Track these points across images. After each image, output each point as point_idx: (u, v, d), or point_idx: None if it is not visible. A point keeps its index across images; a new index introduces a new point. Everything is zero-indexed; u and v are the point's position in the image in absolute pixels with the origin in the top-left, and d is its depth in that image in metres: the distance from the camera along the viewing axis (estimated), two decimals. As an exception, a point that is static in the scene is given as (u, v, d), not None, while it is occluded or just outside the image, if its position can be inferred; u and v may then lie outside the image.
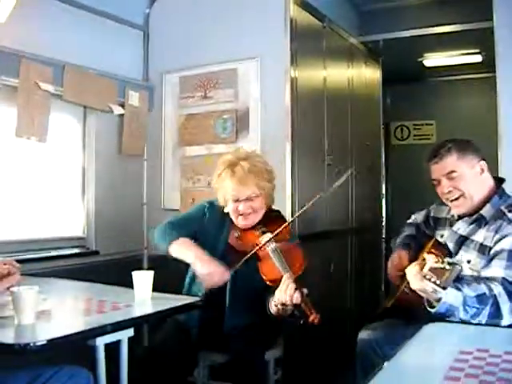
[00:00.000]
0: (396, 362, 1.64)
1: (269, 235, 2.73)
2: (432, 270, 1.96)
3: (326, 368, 3.83)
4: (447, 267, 1.93)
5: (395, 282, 2.65)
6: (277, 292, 2.47)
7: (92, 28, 3.94)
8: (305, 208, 2.79)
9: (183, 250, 2.76)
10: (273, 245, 2.70)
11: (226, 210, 2.87)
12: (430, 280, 1.96)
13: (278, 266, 2.61)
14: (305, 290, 2.44)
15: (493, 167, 3.49)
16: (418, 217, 2.94)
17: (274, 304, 2.52)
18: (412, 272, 2.10)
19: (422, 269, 2.02)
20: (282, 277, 2.50)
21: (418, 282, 2.05)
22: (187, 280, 2.95)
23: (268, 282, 2.59)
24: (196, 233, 2.88)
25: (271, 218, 2.91)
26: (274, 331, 2.97)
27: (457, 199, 2.47)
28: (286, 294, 2.41)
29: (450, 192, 2.47)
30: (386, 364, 1.60)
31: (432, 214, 2.82)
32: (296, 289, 2.41)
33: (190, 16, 4.25)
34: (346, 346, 3.10)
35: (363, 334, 2.70)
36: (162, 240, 2.86)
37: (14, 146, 3.50)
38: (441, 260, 1.96)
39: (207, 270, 2.68)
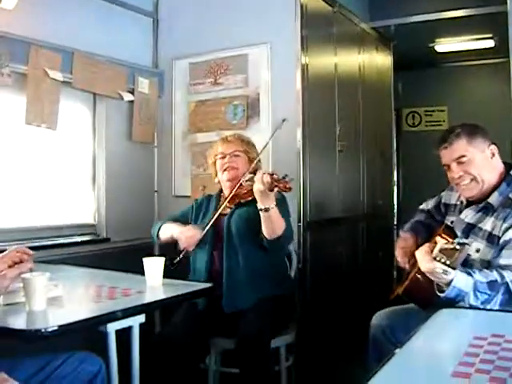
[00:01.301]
0: (409, 347, 1.62)
1: (247, 174, 2.99)
2: (442, 250, 1.96)
3: (338, 354, 3.83)
4: (457, 247, 1.92)
5: (402, 265, 2.63)
6: (254, 190, 2.72)
7: (101, 15, 3.93)
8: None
9: (167, 228, 3.10)
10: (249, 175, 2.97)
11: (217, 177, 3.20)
12: (439, 261, 1.95)
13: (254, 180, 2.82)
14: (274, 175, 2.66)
15: (505, 153, 3.48)
16: (429, 203, 2.92)
17: (259, 209, 2.74)
18: (422, 253, 2.10)
19: (432, 251, 2.01)
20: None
21: (427, 263, 2.04)
22: (191, 261, 3.13)
23: (249, 197, 2.91)
24: (192, 219, 3.21)
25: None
26: (283, 315, 3.00)
27: (469, 183, 2.44)
28: (258, 182, 2.66)
29: (460, 177, 2.44)
30: (398, 350, 1.58)
31: (443, 201, 2.80)
32: (263, 174, 2.66)
33: (200, 2, 4.23)
34: (358, 333, 3.09)
35: (376, 320, 2.69)
36: (154, 230, 3.19)
37: (25, 133, 3.49)
38: (451, 241, 1.95)
39: (183, 229, 2.98)
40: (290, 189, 2.63)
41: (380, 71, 5.08)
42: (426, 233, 2.77)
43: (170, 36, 4.38)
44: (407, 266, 2.59)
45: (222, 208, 3.01)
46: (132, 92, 4.08)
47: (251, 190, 2.78)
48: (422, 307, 2.37)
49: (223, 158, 3.13)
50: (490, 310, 2.04)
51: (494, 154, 2.45)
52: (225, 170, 3.11)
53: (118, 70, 3.96)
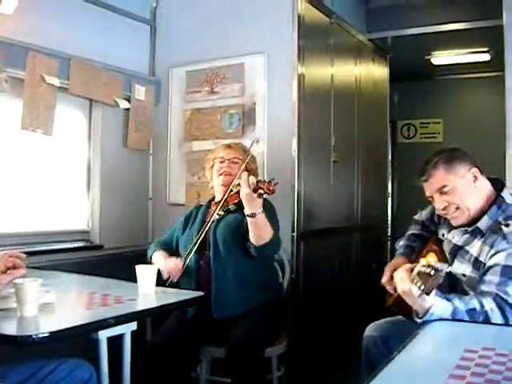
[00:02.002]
0: (401, 359, 1.62)
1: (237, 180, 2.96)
2: (419, 274, 1.91)
3: (331, 365, 3.82)
4: (431, 273, 1.86)
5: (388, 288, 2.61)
6: (241, 194, 2.71)
7: (99, 21, 3.93)
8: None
9: (156, 260, 3.12)
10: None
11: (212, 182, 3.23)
12: (416, 284, 1.92)
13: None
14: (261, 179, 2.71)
15: (499, 166, 3.48)
16: (423, 213, 2.91)
17: (245, 214, 2.74)
18: (400, 274, 2.06)
19: (411, 272, 1.99)
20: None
21: (404, 284, 1.99)
22: None
23: (236, 200, 2.86)
24: (177, 237, 3.22)
25: None
26: (275, 325, 3.01)
27: (454, 212, 2.41)
28: (244, 185, 2.66)
29: (445, 207, 2.41)
30: (390, 362, 1.58)
31: (437, 212, 2.78)
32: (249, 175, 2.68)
33: (198, 10, 4.24)
34: (351, 344, 3.09)
35: (369, 331, 2.68)
36: (149, 256, 3.21)
37: (20, 138, 3.49)
38: (427, 264, 1.91)
39: (165, 263, 3.00)
40: (273, 191, 2.63)
41: (376, 83, 5.09)
42: (421, 245, 2.76)
43: (167, 44, 4.39)
44: (391, 291, 2.57)
45: (209, 223, 3.00)
46: (128, 99, 4.08)
47: (237, 192, 2.79)
48: (410, 319, 2.36)
49: (222, 162, 3.15)
50: (482, 323, 2.04)
51: (476, 178, 2.39)
52: (221, 174, 3.12)
53: (115, 76, 3.97)
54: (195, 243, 2.96)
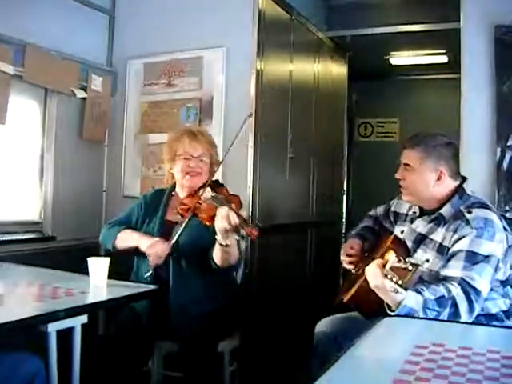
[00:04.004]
0: (352, 354, 1.63)
1: (208, 189, 2.82)
2: (394, 269, 1.94)
3: (283, 360, 3.84)
4: (410, 268, 1.91)
5: (350, 269, 2.69)
6: (215, 224, 2.53)
7: (56, 9, 3.87)
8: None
9: (127, 238, 2.92)
10: (211, 193, 2.79)
11: (172, 171, 3.00)
12: (391, 279, 1.96)
13: (216, 205, 2.66)
14: (242, 214, 2.53)
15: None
16: (378, 210, 2.96)
17: (218, 242, 2.59)
18: (372, 270, 2.10)
19: (383, 266, 2.02)
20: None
21: (377, 279, 2.04)
22: (135, 263, 3.00)
23: (207, 223, 2.64)
24: (136, 223, 3.02)
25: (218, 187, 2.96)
26: (228, 321, 2.98)
27: (403, 188, 2.53)
28: (223, 219, 2.48)
29: (399, 180, 2.53)
30: (341, 356, 1.59)
31: (392, 209, 2.83)
32: (230, 211, 2.48)
33: (158, 2, 4.21)
34: (303, 339, 3.10)
35: (320, 327, 2.70)
36: (108, 240, 2.98)
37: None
38: (403, 260, 1.95)
39: (150, 242, 2.78)
40: (255, 236, 2.46)
41: (335, 81, 5.12)
42: (373, 239, 2.81)
43: (125, 35, 4.34)
44: (353, 271, 2.63)
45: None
46: (85, 89, 4.02)
47: (212, 215, 2.59)
48: (365, 317, 2.39)
49: (187, 159, 2.90)
50: (432, 319, 2.07)
51: (439, 179, 2.46)
52: (187, 173, 2.90)
53: (72, 65, 3.91)
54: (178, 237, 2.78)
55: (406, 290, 1.98)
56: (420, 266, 1.97)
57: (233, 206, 2.61)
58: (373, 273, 2.08)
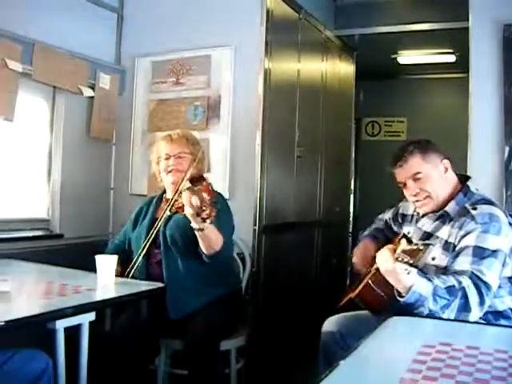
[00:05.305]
0: (358, 353, 1.63)
1: (187, 182, 2.78)
2: (405, 251, 1.99)
3: (289, 358, 3.84)
4: (421, 247, 1.96)
5: (361, 272, 2.68)
6: (185, 210, 2.54)
7: (65, 7, 3.86)
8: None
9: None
10: (188, 185, 2.73)
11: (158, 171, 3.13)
12: (402, 261, 1.99)
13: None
14: (204, 196, 2.47)
15: (462, 166, 3.53)
16: (387, 213, 2.97)
17: (193, 228, 2.60)
18: (383, 254, 2.13)
19: (394, 251, 2.05)
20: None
21: (388, 263, 2.07)
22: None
23: (182, 212, 2.63)
24: (129, 237, 3.13)
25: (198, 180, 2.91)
26: (233, 318, 3.00)
27: (424, 199, 2.49)
28: (187, 204, 2.48)
29: (417, 194, 2.49)
30: (348, 355, 1.59)
31: (401, 211, 2.84)
32: (192, 194, 2.47)
33: (166, 0, 4.20)
34: (310, 338, 3.10)
35: (327, 326, 2.70)
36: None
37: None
38: (414, 243, 1.98)
39: None
40: (213, 217, 2.47)
41: (342, 80, 5.11)
42: (384, 241, 2.80)
43: (133, 33, 4.34)
44: (364, 270, 2.64)
45: (159, 221, 2.91)
46: (93, 87, 4.03)
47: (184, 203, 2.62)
48: (373, 313, 2.39)
49: (167, 159, 3.04)
50: (440, 318, 2.07)
51: (447, 169, 2.50)
52: (169, 172, 3.02)
53: (80, 64, 3.91)
54: (145, 244, 2.88)
55: (416, 267, 2.01)
56: (432, 244, 1.99)
57: (198, 190, 2.54)
58: (384, 257, 2.12)
